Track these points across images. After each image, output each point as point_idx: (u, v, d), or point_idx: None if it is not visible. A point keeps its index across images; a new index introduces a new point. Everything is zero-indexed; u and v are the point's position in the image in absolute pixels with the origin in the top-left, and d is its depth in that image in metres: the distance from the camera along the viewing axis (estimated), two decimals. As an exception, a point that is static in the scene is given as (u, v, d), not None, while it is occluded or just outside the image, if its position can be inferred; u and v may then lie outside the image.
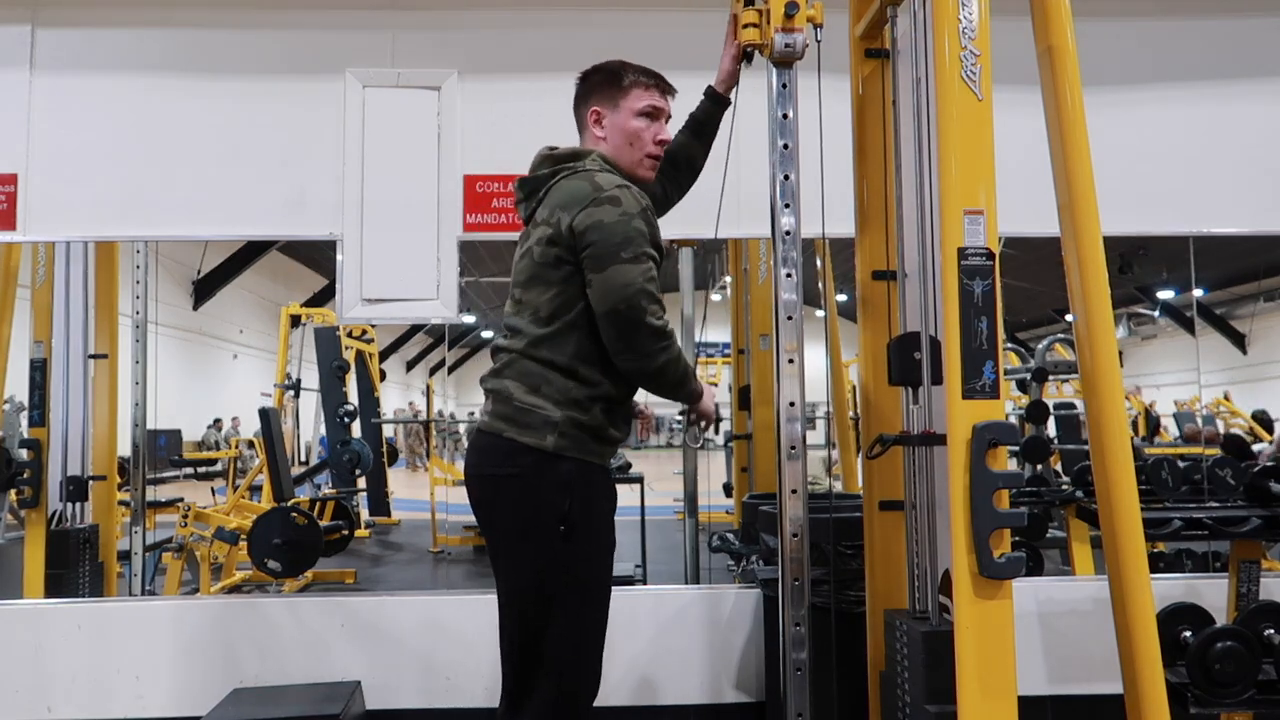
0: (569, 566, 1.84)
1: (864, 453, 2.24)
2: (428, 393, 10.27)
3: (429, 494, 7.40)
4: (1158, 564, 4.27)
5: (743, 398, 4.76)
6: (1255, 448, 8.11)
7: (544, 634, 1.85)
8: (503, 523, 1.89)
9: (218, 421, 14.61)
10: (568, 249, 1.83)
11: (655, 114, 2.00)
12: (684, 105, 2.28)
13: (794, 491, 1.95)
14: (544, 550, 1.83)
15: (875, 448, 2.12)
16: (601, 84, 2.00)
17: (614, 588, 1.97)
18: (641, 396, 2.02)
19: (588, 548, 1.87)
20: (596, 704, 1.98)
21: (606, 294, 1.78)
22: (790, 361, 1.98)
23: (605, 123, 1.99)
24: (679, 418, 2.02)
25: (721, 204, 2.33)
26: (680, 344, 1.90)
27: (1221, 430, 9.03)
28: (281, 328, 7.93)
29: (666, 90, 2.03)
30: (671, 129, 2.18)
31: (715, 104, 2.22)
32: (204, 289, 14.52)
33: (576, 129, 2.06)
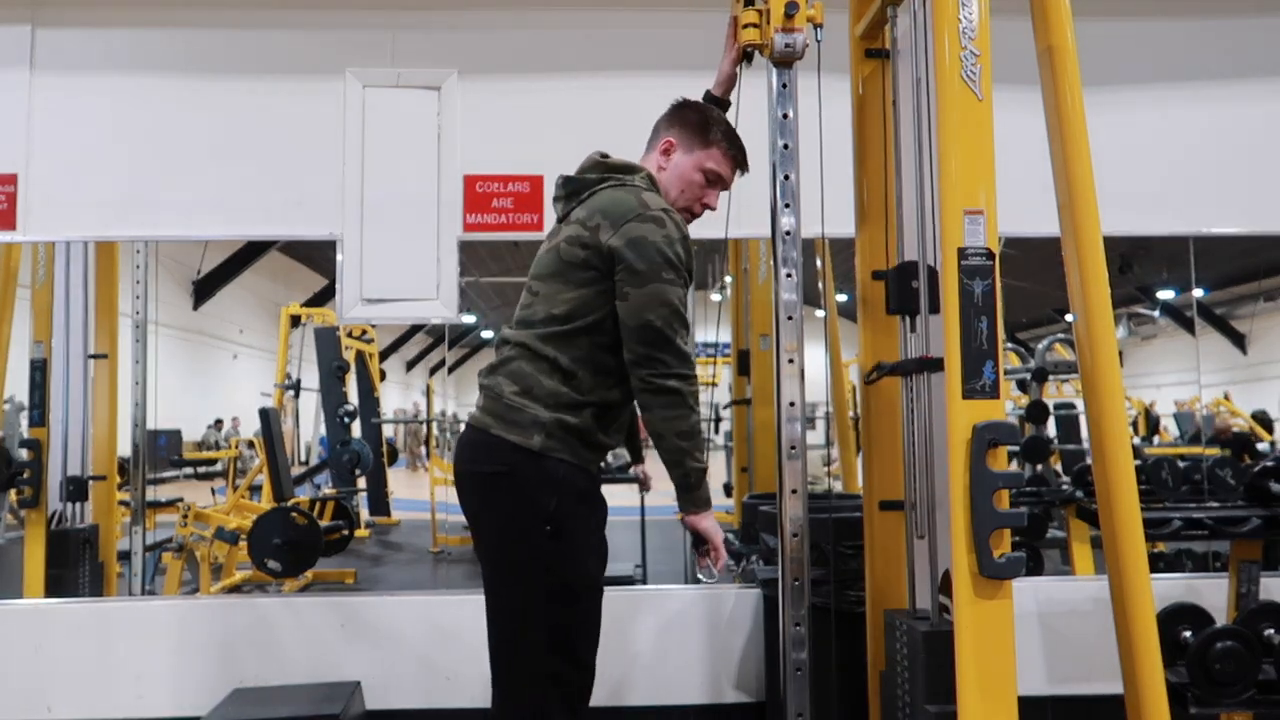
0: (555, 566, 1.84)
1: (863, 379, 2.26)
2: (428, 393, 10.28)
3: (429, 494, 7.40)
4: (1158, 564, 4.28)
5: (742, 362, 4.75)
6: (1259, 446, 8.10)
7: (530, 635, 1.84)
8: (488, 521, 1.89)
9: (218, 422, 14.61)
10: (599, 255, 1.83)
11: (716, 180, 2.01)
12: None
13: (794, 491, 1.95)
14: (530, 549, 1.83)
15: (873, 374, 2.12)
16: (690, 123, 2.01)
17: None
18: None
19: (575, 548, 1.86)
20: (597, 704, 1.98)
21: (644, 308, 1.78)
22: (790, 361, 1.98)
23: (673, 157, 2.00)
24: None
25: (730, 205, 2.33)
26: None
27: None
28: (281, 328, 7.93)
29: (741, 166, 2.04)
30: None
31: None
32: (204, 289, 14.51)
33: (647, 141, 2.07)
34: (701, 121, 2.01)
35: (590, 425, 1.86)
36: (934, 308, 1.94)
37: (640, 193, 1.89)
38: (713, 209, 2.04)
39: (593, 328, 1.85)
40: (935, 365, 1.87)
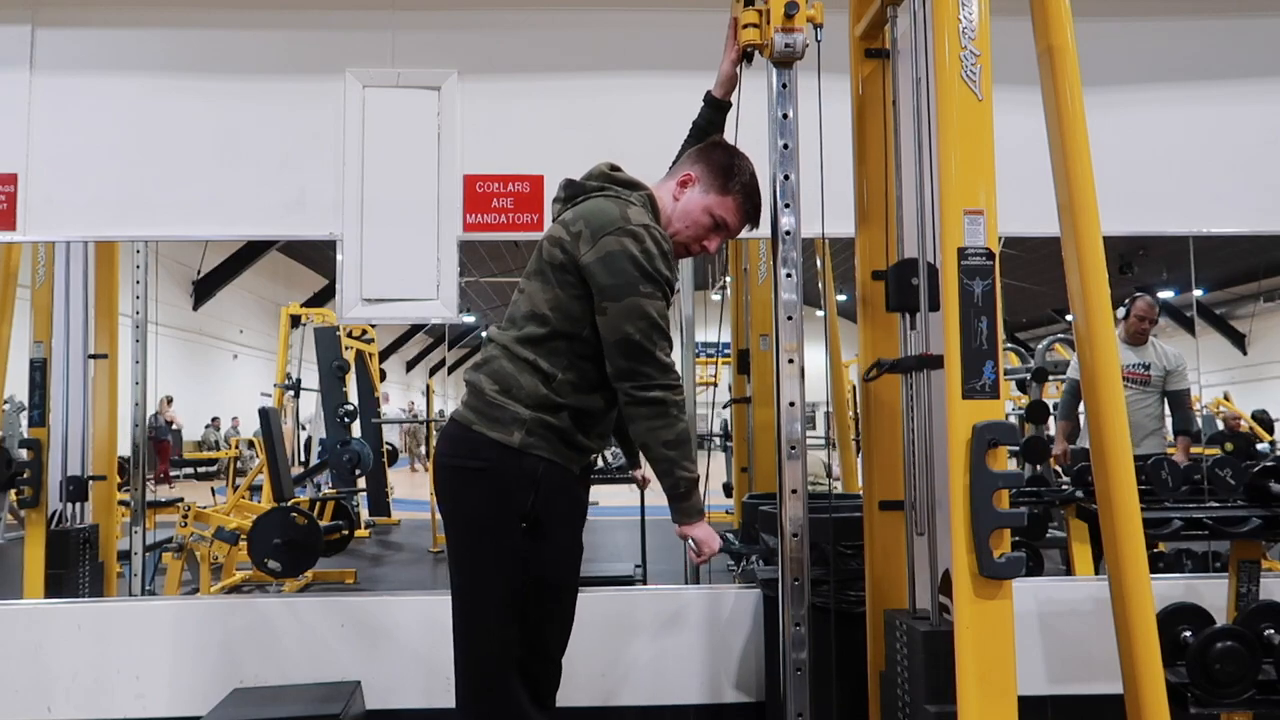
0: (528, 565, 1.84)
1: (861, 377, 2.25)
2: (428, 393, 10.28)
3: (429, 494, 7.40)
4: (1158, 564, 4.27)
5: (741, 361, 4.77)
6: (1259, 447, 8.09)
7: (502, 631, 1.85)
8: (464, 515, 1.90)
9: (215, 420, 14.62)
10: (573, 264, 1.83)
11: (722, 227, 2.01)
12: (685, 107, 2.29)
13: (794, 491, 1.95)
14: (504, 546, 1.83)
15: (872, 371, 2.12)
16: (716, 165, 2.01)
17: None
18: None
19: (550, 547, 1.87)
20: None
21: (622, 322, 1.79)
22: (790, 361, 1.98)
23: (689, 191, 2.01)
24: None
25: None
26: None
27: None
28: (281, 328, 7.94)
29: (752, 221, 2.05)
30: (674, 128, 2.20)
31: (717, 110, 2.23)
32: (204, 289, 14.54)
33: (670, 165, 2.12)
34: (727, 166, 2.00)
35: (569, 426, 1.87)
36: (934, 305, 1.94)
37: (628, 206, 1.88)
38: (710, 253, 2.05)
39: (572, 335, 1.86)
40: (935, 363, 1.86)
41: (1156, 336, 4.47)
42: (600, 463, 1.98)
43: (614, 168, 2.00)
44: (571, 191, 2.00)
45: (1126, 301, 4.43)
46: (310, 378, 8.31)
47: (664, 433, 1.82)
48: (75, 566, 3.79)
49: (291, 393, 8.20)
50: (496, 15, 3.08)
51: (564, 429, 1.86)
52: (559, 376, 1.85)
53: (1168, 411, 4.44)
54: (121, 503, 4.32)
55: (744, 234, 2.12)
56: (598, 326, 1.83)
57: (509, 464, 1.82)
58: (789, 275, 1.98)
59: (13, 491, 3.67)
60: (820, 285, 4.37)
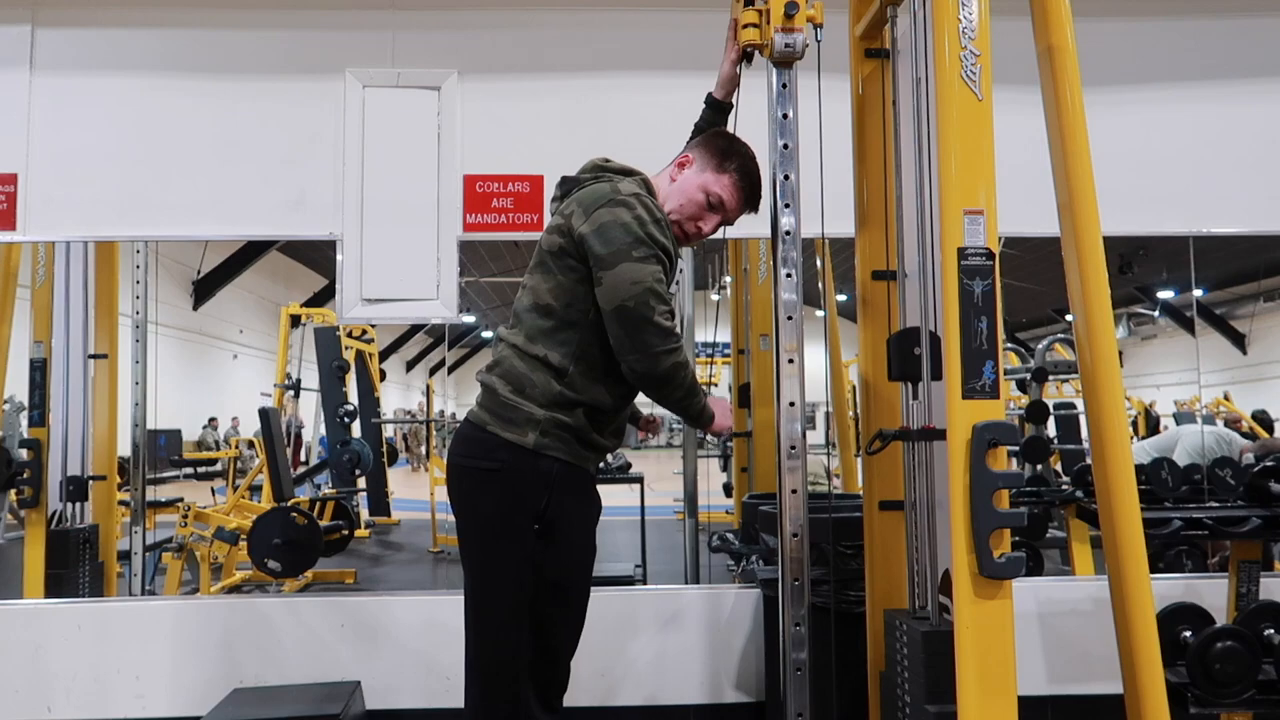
0: (541, 567, 1.85)
1: (863, 448, 2.24)
2: (428, 393, 10.28)
3: (429, 494, 7.41)
4: (1158, 564, 4.27)
5: (742, 396, 4.77)
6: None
7: (514, 634, 1.85)
8: (477, 516, 1.90)
9: (213, 420, 14.59)
10: (572, 243, 1.85)
11: (718, 206, 2.01)
12: (685, 107, 2.29)
13: (794, 491, 1.95)
14: (516, 548, 1.84)
15: (875, 443, 2.11)
16: (714, 148, 2.02)
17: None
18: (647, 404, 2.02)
19: (563, 549, 1.87)
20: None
21: (615, 290, 1.78)
22: (790, 361, 1.98)
23: (685, 171, 2.02)
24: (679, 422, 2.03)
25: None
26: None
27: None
28: (281, 328, 7.93)
29: (749, 205, 2.05)
30: (673, 128, 2.19)
31: (717, 112, 2.23)
32: (204, 289, 14.52)
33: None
34: (725, 149, 2.02)
35: (584, 424, 1.87)
36: (936, 375, 1.93)
37: (618, 183, 1.90)
38: (704, 235, 2.05)
39: (579, 323, 1.86)
40: (937, 435, 1.87)
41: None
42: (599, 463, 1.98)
43: (606, 160, 2.01)
44: (566, 187, 2.01)
45: None
46: (310, 378, 8.31)
47: (675, 392, 1.86)
48: (75, 566, 3.79)
49: (291, 393, 8.20)
50: (496, 15, 3.08)
51: (579, 428, 1.86)
52: (570, 370, 1.85)
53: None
54: (121, 503, 4.32)
55: (745, 231, 2.11)
56: (599, 303, 1.83)
57: (523, 465, 1.82)
58: (789, 275, 1.98)
59: (13, 491, 3.67)
60: (820, 285, 4.37)
